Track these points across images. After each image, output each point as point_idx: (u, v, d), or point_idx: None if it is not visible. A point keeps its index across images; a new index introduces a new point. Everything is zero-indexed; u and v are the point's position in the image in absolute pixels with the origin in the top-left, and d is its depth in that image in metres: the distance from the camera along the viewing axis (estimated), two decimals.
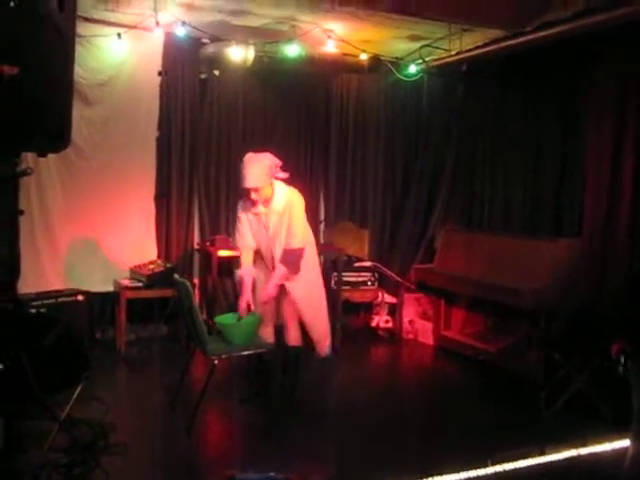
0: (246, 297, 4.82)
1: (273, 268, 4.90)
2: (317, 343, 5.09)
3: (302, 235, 4.91)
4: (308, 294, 5.03)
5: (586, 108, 5.85)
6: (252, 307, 4.84)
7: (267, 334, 5.01)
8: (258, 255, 5.05)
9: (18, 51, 2.23)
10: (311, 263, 5.08)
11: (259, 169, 4.71)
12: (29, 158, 4.94)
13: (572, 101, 6.04)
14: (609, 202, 5.52)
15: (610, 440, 4.21)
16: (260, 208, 4.86)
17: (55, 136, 2.70)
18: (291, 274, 4.87)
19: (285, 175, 4.91)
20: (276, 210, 4.85)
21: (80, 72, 5.97)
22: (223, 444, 4.41)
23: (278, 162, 4.87)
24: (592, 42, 5.44)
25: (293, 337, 5.05)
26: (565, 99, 6.12)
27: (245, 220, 4.95)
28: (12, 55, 2.38)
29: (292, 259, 4.83)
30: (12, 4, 2.30)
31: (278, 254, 4.87)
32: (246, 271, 4.91)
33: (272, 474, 1.23)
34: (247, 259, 4.97)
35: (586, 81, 5.80)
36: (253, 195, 4.73)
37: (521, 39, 5.77)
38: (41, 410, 3.92)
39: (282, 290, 4.93)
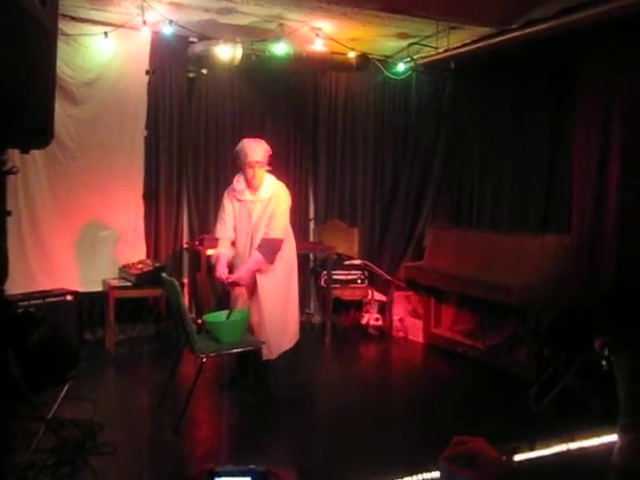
0: (221, 270, 4.89)
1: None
2: (265, 342, 4.92)
3: (283, 228, 4.95)
4: (275, 293, 5.02)
5: (574, 105, 5.87)
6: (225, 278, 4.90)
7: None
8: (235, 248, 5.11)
9: None
10: (285, 260, 5.08)
11: (261, 148, 4.95)
12: (15, 157, 4.91)
13: (560, 98, 6.06)
14: (597, 198, 5.54)
15: (599, 434, 4.21)
16: (247, 195, 4.95)
17: (38, 132, 2.68)
18: (265, 263, 4.89)
19: (269, 167, 5.02)
20: (263, 198, 4.95)
21: (67, 71, 5.99)
22: (211, 442, 4.39)
23: (270, 151, 5.02)
24: (579, 38, 5.46)
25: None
26: (553, 96, 6.14)
27: (229, 208, 5.04)
28: None
29: (269, 249, 4.88)
30: None
31: (257, 243, 4.93)
32: (222, 251, 5.02)
33: (252, 466, 1.22)
34: (225, 245, 5.08)
35: (574, 78, 5.82)
36: (256, 168, 4.84)
37: (508, 36, 5.79)
38: (28, 410, 3.89)
39: (253, 289, 4.97)
